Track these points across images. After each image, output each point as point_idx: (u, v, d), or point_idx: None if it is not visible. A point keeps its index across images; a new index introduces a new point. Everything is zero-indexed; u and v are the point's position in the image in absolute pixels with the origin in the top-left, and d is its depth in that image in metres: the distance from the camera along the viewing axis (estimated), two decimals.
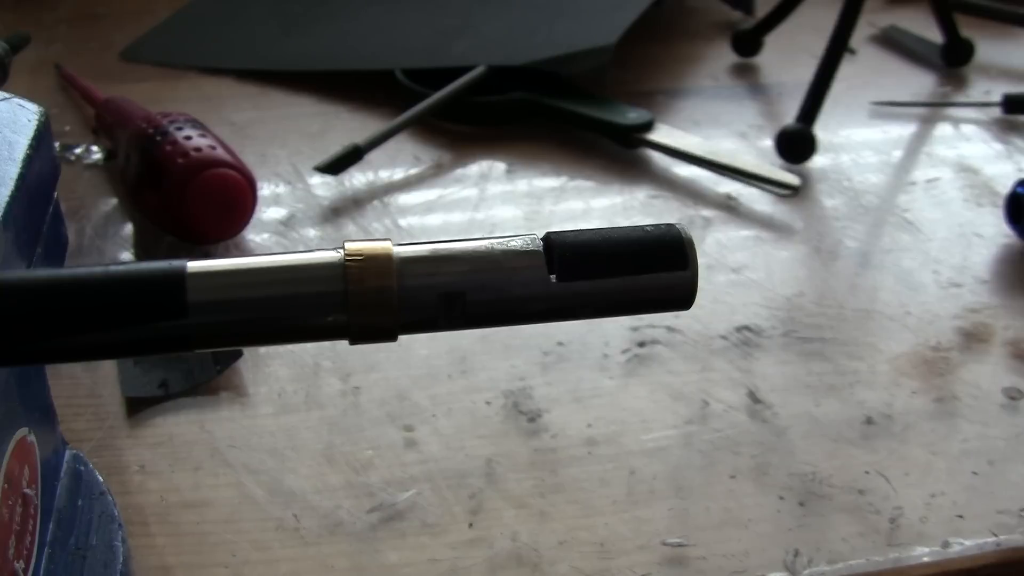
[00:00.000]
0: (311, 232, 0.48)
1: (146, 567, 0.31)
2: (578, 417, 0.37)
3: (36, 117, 0.26)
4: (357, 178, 0.51)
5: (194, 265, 0.19)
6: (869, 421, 0.37)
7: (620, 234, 0.20)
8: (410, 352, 0.40)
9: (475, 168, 0.53)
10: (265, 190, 0.50)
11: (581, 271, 0.20)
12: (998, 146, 0.56)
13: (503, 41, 0.59)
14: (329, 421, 0.37)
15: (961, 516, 0.33)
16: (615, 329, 0.41)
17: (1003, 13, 0.68)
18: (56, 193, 0.28)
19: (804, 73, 0.54)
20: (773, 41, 0.65)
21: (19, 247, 0.24)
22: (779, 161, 0.53)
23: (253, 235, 0.47)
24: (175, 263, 0.19)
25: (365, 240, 0.19)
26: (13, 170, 0.24)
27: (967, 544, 0.32)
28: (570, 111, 0.55)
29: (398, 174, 0.52)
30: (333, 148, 0.51)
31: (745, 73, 0.64)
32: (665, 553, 0.32)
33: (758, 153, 0.54)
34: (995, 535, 0.33)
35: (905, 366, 0.39)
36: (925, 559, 0.32)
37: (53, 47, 0.63)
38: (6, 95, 0.27)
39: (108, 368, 0.39)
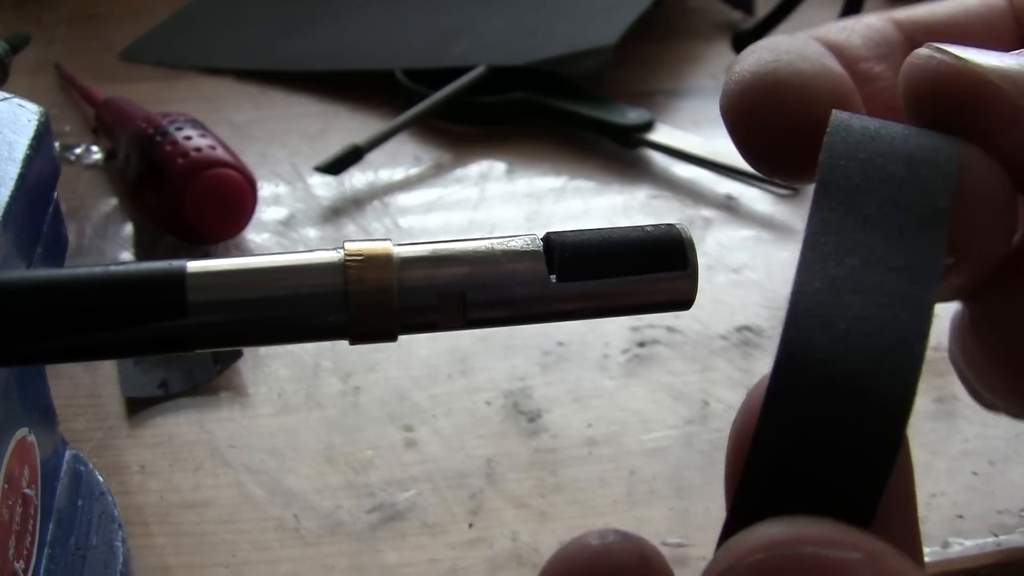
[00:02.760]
0: (311, 232, 0.48)
1: (146, 567, 0.31)
2: (578, 417, 0.37)
3: (36, 117, 0.26)
4: (357, 178, 0.51)
5: (194, 265, 0.19)
6: None
7: (620, 234, 0.20)
8: (410, 352, 0.40)
9: (475, 168, 0.53)
10: (265, 190, 0.50)
11: (581, 271, 0.20)
12: None
13: (503, 41, 0.59)
14: (329, 421, 0.37)
15: (961, 516, 0.33)
16: (615, 329, 0.41)
17: None
18: (56, 193, 0.28)
19: None
20: None
21: (19, 247, 0.24)
22: None
23: (253, 235, 0.47)
24: (175, 263, 0.19)
25: (365, 240, 0.19)
26: (13, 170, 0.24)
27: (967, 544, 0.32)
28: (570, 111, 0.55)
29: (398, 174, 0.52)
30: (333, 148, 0.51)
31: None
32: (665, 553, 0.32)
33: None
34: (995, 535, 0.33)
35: None
36: (925, 559, 0.32)
37: (53, 47, 0.63)
38: (6, 95, 0.27)
39: (108, 368, 0.39)
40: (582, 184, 0.52)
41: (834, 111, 0.19)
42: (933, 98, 0.18)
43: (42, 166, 0.26)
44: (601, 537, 0.17)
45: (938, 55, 0.18)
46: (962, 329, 0.22)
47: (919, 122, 0.19)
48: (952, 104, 0.18)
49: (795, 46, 0.21)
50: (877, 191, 0.17)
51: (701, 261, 0.20)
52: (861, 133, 0.18)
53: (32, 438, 0.26)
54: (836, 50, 0.22)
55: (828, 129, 0.18)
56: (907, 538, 0.16)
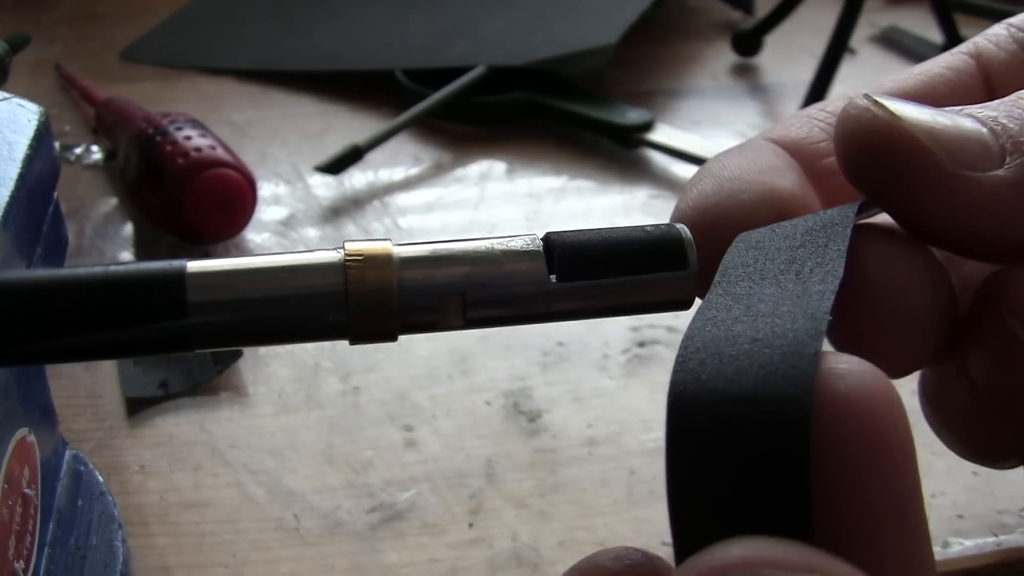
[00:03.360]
0: (311, 232, 0.48)
1: (146, 567, 0.31)
2: (578, 417, 0.37)
3: (36, 117, 0.26)
4: (357, 178, 0.51)
5: (194, 265, 0.19)
6: None
7: (620, 234, 0.20)
8: (410, 352, 0.40)
9: (475, 168, 0.53)
10: (265, 190, 0.50)
11: (581, 271, 0.20)
12: None
13: (503, 41, 0.59)
14: (329, 421, 0.37)
15: (961, 516, 0.33)
16: (615, 329, 0.41)
17: (1003, 13, 0.68)
18: (56, 193, 0.28)
19: (804, 73, 0.54)
20: (773, 41, 0.65)
21: (19, 247, 0.24)
22: None
23: (253, 235, 0.47)
24: (175, 263, 0.19)
25: (365, 240, 0.19)
26: (13, 170, 0.24)
27: (967, 544, 0.32)
28: (570, 111, 0.55)
29: (398, 174, 0.52)
30: (333, 148, 0.51)
31: (745, 73, 0.64)
32: (665, 553, 0.32)
33: None
34: (995, 535, 0.33)
35: None
36: None
37: (53, 47, 0.63)
38: (6, 95, 0.27)
39: (108, 368, 0.39)
40: (582, 184, 0.52)
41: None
42: (861, 157, 0.18)
43: (42, 166, 0.26)
44: (616, 559, 0.16)
45: (873, 109, 0.18)
46: (919, 385, 0.21)
47: (849, 177, 0.19)
48: (880, 164, 0.18)
49: (741, 170, 0.20)
50: (773, 259, 0.17)
51: None
52: (765, 230, 0.18)
53: (32, 438, 0.26)
54: (795, 149, 0.21)
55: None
56: (910, 548, 0.15)
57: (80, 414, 0.37)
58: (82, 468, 0.31)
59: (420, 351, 0.40)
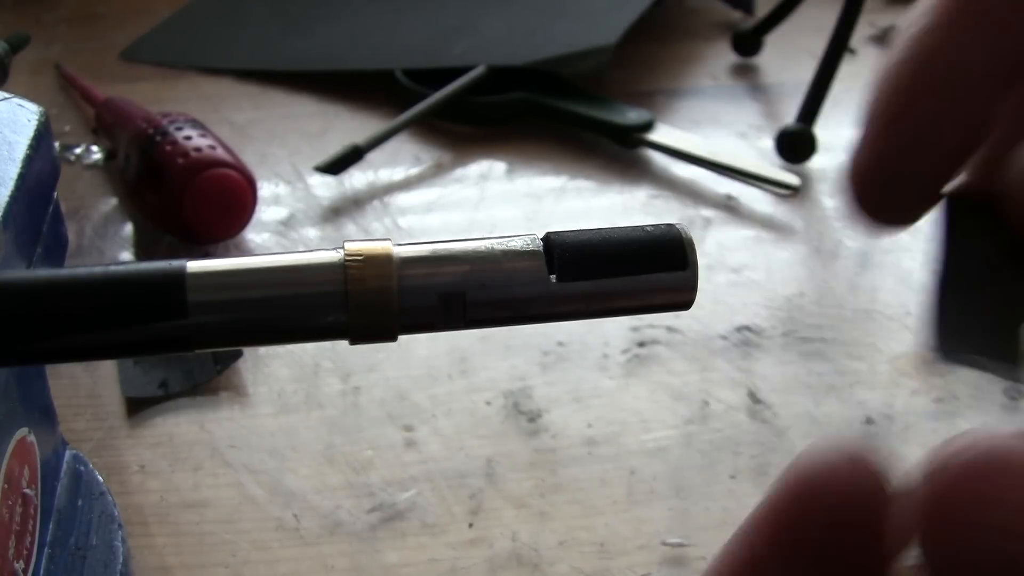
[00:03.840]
0: (311, 232, 0.48)
1: (146, 567, 0.31)
2: (578, 417, 0.37)
3: (36, 117, 0.26)
4: (357, 178, 0.51)
5: (194, 265, 0.19)
6: (869, 421, 0.37)
7: (620, 234, 0.20)
8: (410, 352, 0.40)
9: (475, 168, 0.53)
10: (265, 190, 0.50)
11: (581, 271, 0.20)
12: None
13: (503, 41, 0.59)
14: (329, 421, 0.37)
15: None
16: (615, 329, 0.41)
17: None
18: (56, 193, 0.28)
19: (804, 73, 0.54)
20: (773, 41, 0.64)
21: (19, 247, 0.24)
22: (779, 161, 0.53)
23: (253, 235, 0.47)
24: (175, 263, 0.19)
25: (365, 240, 0.19)
26: (13, 170, 0.24)
27: None
28: (570, 111, 0.55)
29: (398, 174, 0.52)
30: (333, 148, 0.51)
31: (745, 73, 0.64)
32: (665, 553, 0.32)
33: (758, 153, 0.54)
34: None
35: (905, 366, 0.39)
36: None
37: (53, 47, 0.63)
38: (6, 95, 0.27)
39: (108, 368, 0.39)
40: (582, 184, 0.52)
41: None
42: None
43: (42, 166, 0.26)
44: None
45: None
46: None
47: None
48: None
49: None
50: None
51: (701, 261, 0.20)
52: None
53: (32, 438, 0.26)
54: None
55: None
56: None
57: (80, 414, 0.37)
58: (82, 468, 0.31)
59: (420, 351, 0.40)
